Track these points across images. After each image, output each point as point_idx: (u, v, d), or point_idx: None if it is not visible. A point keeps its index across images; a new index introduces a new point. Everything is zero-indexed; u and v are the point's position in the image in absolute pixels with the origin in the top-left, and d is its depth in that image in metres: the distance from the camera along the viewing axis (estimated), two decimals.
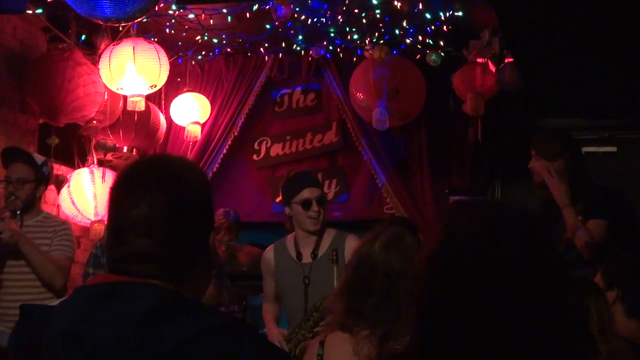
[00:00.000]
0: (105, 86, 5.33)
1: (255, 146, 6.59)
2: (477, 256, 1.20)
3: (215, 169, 6.44)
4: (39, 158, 4.50)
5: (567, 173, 4.03)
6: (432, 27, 5.62)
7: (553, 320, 1.20)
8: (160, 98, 6.28)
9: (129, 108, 5.35)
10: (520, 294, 1.18)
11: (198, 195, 1.54)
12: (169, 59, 5.43)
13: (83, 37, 5.59)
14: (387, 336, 2.23)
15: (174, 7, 5.40)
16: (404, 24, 5.61)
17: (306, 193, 3.93)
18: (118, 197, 1.50)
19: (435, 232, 1.29)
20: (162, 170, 1.53)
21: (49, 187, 5.63)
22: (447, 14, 5.42)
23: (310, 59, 6.33)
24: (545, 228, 1.30)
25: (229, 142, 6.46)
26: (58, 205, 5.63)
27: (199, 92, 6.26)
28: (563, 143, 4.13)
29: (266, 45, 6.22)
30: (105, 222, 5.69)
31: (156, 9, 4.72)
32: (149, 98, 5.57)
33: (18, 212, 4.30)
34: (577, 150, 4.21)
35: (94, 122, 5.59)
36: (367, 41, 5.80)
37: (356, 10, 5.50)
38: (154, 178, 1.50)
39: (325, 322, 3.01)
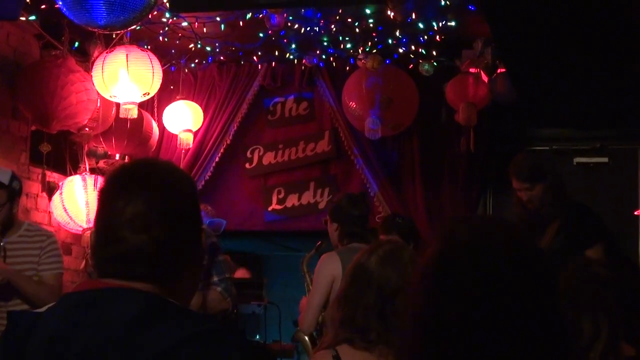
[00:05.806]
0: (98, 93, 5.33)
1: (248, 154, 6.59)
2: (474, 269, 1.24)
3: (207, 177, 6.43)
4: (5, 172, 4.01)
5: (553, 190, 4.04)
6: (425, 37, 5.64)
7: (548, 329, 1.22)
8: (153, 106, 6.28)
9: (121, 115, 5.34)
10: (514, 304, 1.22)
11: (188, 196, 1.56)
12: (162, 66, 5.42)
13: (76, 44, 5.58)
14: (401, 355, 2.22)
15: (167, 15, 5.40)
16: (397, 33, 5.64)
17: None
18: (111, 196, 1.51)
19: (432, 245, 1.32)
20: (152, 172, 1.55)
21: (40, 194, 5.63)
22: (440, 24, 5.45)
23: (303, 67, 6.34)
24: (534, 243, 1.36)
25: (222, 151, 6.46)
26: (50, 212, 5.61)
27: (192, 100, 6.25)
28: (544, 163, 4.16)
29: (259, 53, 6.24)
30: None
31: (150, 16, 4.72)
32: (141, 106, 5.57)
33: (1, 244, 3.92)
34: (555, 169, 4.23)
35: (87, 129, 5.58)
36: (360, 50, 5.82)
37: (349, 20, 5.52)
38: (146, 178, 1.52)
39: (325, 332, 3.02)
